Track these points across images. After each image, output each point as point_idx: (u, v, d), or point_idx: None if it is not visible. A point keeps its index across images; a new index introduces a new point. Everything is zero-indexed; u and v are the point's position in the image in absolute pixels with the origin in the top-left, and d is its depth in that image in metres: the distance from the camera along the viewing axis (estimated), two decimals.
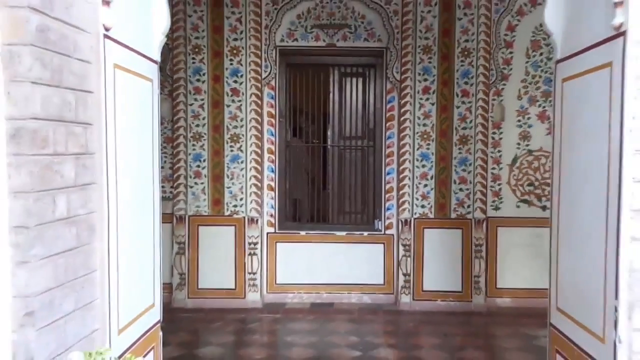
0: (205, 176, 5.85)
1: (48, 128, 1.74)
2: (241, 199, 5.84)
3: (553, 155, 2.84)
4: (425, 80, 5.78)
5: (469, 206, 5.77)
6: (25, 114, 1.64)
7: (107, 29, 2.06)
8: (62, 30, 1.81)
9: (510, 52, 5.86)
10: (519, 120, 5.88)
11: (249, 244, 5.84)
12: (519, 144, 5.89)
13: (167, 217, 5.34)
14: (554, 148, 2.82)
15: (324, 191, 6.65)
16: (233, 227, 5.84)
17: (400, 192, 5.85)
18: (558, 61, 2.76)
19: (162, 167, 5.49)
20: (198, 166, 5.86)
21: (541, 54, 5.82)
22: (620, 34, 2.11)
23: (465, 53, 5.74)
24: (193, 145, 5.84)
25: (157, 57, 2.64)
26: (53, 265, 1.80)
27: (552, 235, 2.85)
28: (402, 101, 5.81)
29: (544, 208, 5.79)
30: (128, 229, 2.33)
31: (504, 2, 5.77)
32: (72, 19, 1.86)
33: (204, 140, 5.83)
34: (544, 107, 5.84)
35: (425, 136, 5.79)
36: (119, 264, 2.24)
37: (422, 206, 5.80)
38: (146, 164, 2.58)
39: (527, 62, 5.85)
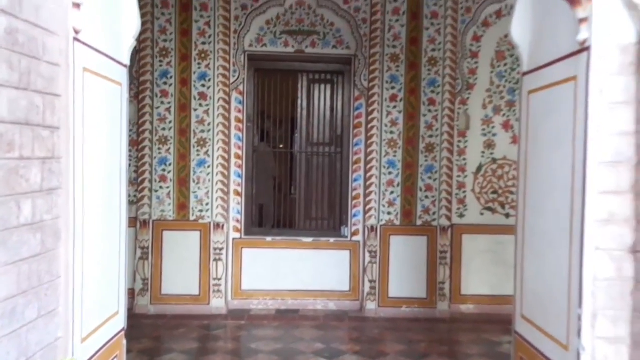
0: (170, 180, 5.78)
1: (14, 131, 1.70)
2: (207, 204, 5.79)
3: (519, 165, 2.90)
4: (393, 88, 5.83)
5: (434, 213, 5.84)
6: None
7: (76, 32, 2.03)
8: (31, 33, 1.77)
9: (476, 62, 5.96)
10: (484, 129, 5.98)
11: (214, 249, 5.78)
12: (483, 152, 6.00)
13: (130, 222, 5.22)
14: (519, 158, 2.88)
15: (291, 196, 6.64)
16: (198, 232, 5.78)
17: (367, 199, 5.89)
18: (524, 73, 2.83)
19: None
20: (164, 170, 5.78)
21: (505, 65, 5.94)
22: (584, 49, 2.17)
23: (432, 62, 5.82)
24: (159, 148, 5.77)
25: (127, 60, 2.60)
26: (17, 271, 1.75)
27: (517, 243, 2.91)
28: (370, 109, 5.86)
29: (507, 216, 5.91)
30: (94, 235, 2.29)
31: (470, 13, 5.88)
32: (41, 21, 1.82)
33: (170, 144, 5.76)
34: (508, 116, 5.96)
35: (392, 143, 5.84)
36: (84, 271, 2.20)
37: (389, 213, 5.84)
38: (114, 169, 2.54)
39: (491, 72, 5.97)
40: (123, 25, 2.56)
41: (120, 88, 2.55)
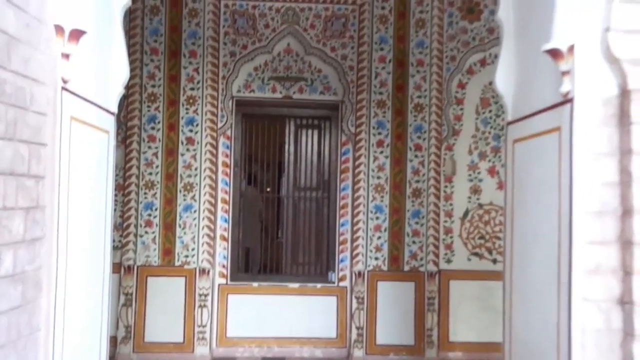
0: (156, 225, 5.72)
1: None
2: (193, 249, 5.73)
3: (505, 212, 2.91)
4: (380, 133, 5.89)
5: (421, 259, 5.82)
6: None
7: (65, 82, 2.03)
8: (19, 83, 1.77)
9: (461, 109, 6.05)
10: (470, 175, 6.02)
11: (200, 295, 5.69)
12: (470, 197, 6.02)
13: (114, 267, 5.13)
14: (506, 206, 2.90)
15: (278, 240, 6.59)
16: (183, 278, 5.69)
17: (354, 244, 5.86)
18: (509, 123, 2.87)
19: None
20: (149, 215, 5.73)
21: (490, 111, 6.03)
22: (567, 100, 2.22)
23: (418, 108, 5.90)
24: (145, 193, 5.73)
25: (115, 108, 2.61)
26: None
27: (505, 290, 2.89)
28: (357, 154, 5.89)
29: (494, 261, 5.90)
30: (76, 284, 2.25)
31: (454, 61, 5.99)
32: (30, 71, 1.83)
33: (157, 188, 5.73)
34: (493, 162, 6.01)
35: (379, 189, 5.86)
36: (64, 322, 2.14)
37: (376, 258, 5.81)
38: (99, 216, 2.51)
39: (477, 118, 6.05)
40: (112, 74, 2.58)
41: (108, 136, 2.54)
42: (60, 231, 2.05)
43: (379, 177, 5.87)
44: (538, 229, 2.47)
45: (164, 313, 5.64)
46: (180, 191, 5.74)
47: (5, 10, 1.70)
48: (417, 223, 5.84)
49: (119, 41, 2.60)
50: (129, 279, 5.66)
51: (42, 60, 1.93)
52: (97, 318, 2.56)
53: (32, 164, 1.88)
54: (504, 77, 2.87)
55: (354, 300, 5.80)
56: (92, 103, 2.32)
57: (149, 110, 5.75)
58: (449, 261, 5.96)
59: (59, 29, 2.02)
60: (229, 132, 5.95)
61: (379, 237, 5.84)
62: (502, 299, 2.92)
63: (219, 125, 5.88)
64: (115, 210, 5.67)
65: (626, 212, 2.05)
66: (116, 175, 5.65)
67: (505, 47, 2.85)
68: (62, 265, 2.08)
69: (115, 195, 5.66)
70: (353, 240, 5.88)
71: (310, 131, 6.30)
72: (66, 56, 2.04)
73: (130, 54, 5.36)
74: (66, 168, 2.08)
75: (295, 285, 5.99)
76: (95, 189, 2.44)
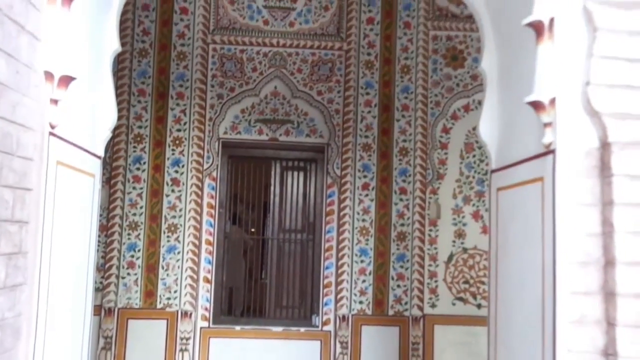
0: (139, 267, 5.66)
1: None
2: (175, 292, 5.65)
3: (489, 259, 2.92)
4: (365, 176, 5.93)
5: (406, 303, 5.79)
6: None
7: (52, 127, 2.04)
8: (6, 129, 1.77)
9: (445, 153, 6.12)
10: (454, 219, 6.06)
11: (181, 339, 5.59)
12: (454, 241, 6.04)
13: (95, 309, 5.05)
14: (490, 252, 2.91)
15: (261, 281, 6.52)
16: (165, 321, 5.60)
17: (339, 287, 5.82)
18: (493, 171, 2.91)
19: None
20: (132, 256, 5.67)
21: (474, 156, 6.11)
22: (550, 151, 2.26)
23: (403, 152, 5.96)
24: (128, 234, 5.68)
25: (102, 152, 2.61)
26: None
27: (490, 337, 2.88)
28: (342, 196, 5.92)
29: (479, 306, 5.89)
30: (56, 330, 2.20)
31: (439, 106, 6.09)
32: (17, 117, 1.83)
33: (140, 229, 5.69)
34: (477, 206, 6.06)
35: (364, 231, 5.86)
36: None
37: (360, 302, 5.77)
38: (81, 261, 2.48)
39: (461, 162, 6.12)
40: (99, 117, 2.58)
41: (93, 179, 2.53)
42: (42, 277, 2.02)
43: (364, 220, 5.88)
44: (522, 277, 2.48)
45: (144, 357, 5.52)
46: (164, 232, 5.70)
47: None
48: (401, 267, 5.83)
49: (107, 85, 2.62)
50: (109, 322, 5.56)
51: (31, 106, 1.93)
52: None
53: (17, 209, 1.87)
54: (487, 126, 2.91)
55: (338, 345, 5.73)
56: (78, 147, 2.32)
57: (134, 151, 5.75)
58: (433, 305, 5.94)
59: (48, 75, 2.04)
60: (214, 174, 5.96)
61: (364, 281, 5.81)
62: (487, 346, 2.91)
63: (205, 166, 5.88)
64: (97, 251, 5.60)
65: (608, 263, 2.07)
66: (100, 215, 5.60)
67: (488, 96, 2.91)
68: (43, 312, 2.04)
69: (99, 236, 5.62)
70: (337, 284, 5.85)
71: (296, 173, 6.33)
72: (55, 102, 2.05)
73: (117, 95, 5.40)
74: (50, 213, 2.06)
75: (279, 329, 5.91)
76: (79, 232, 2.42)
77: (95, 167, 2.54)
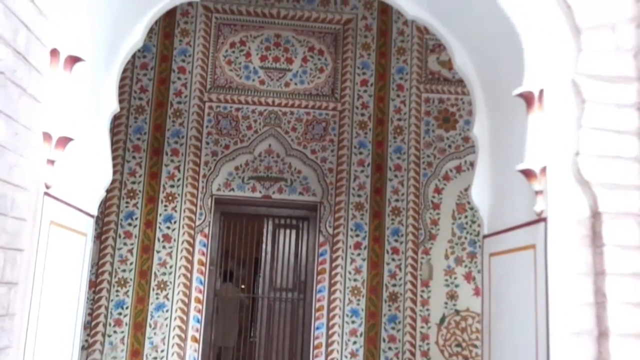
0: (126, 324, 5.55)
1: None
2: (162, 351, 5.53)
3: (482, 323, 2.89)
4: (357, 236, 5.92)
5: None
6: None
7: (47, 187, 2.04)
8: (2, 190, 1.77)
9: (438, 214, 6.15)
10: (447, 280, 6.02)
11: None
12: (446, 303, 5.99)
13: None
14: (483, 316, 2.88)
15: (250, 340, 6.40)
16: None
17: (329, 349, 5.72)
18: (485, 236, 2.91)
19: None
20: (120, 313, 5.57)
21: (466, 217, 6.13)
22: (541, 219, 2.27)
23: (396, 212, 5.98)
24: (117, 291, 5.60)
25: (95, 211, 2.60)
26: None
27: None
28: (334, 255, 5.89)
29: None
30: None
31: (431, 167, 6.16)
32: (13, 178, 1.84)
33: (129, 286, 5.61)
34: (469, 267, 6.04)
35: (355, 291, 5.81)
36: None
37: None
38: (69, 322, 2.43)
39: (453, 223, 6.14)
40: (94, 177, 2.59)
41: (85, 238, 2.52)
42: (29, 340, 1.98)
43: (355, 280, 5.83)
44: (516, 344, 2.45)
45: None
46: (153, 289, 5.62)
47: None
48: (393, 328, 5.75)
49: (104, 145, 2.64)
50: None
51: (27, 167, 1.95)
52: None
53: (7, 270, 1.85)
54: (479, 191, 2.93)
55: None
56: (72, 206, 2.32)
57: (127, 207, 5.74)
58: None
59: (46, 136, 2.06)
60: (206, 230, 5.93)
61: (355, 342, 5.72)
62: None
63: (197, 222, 5.86)
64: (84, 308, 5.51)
65: (602, 334, 2.06)
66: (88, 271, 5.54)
67: (480, 161, 2.95)
68: None
69: (86, 292, 5.54)
70: (328, 345, 5.75)
71: (288, 231, 6.32)
72: (51, 162, 2.06)
73: (113, 151, 5.44)
74: (41, 273, 2.04)
75: None
76: (68, 292, 2.39)
77: (88, 226, 2.53)
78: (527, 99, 2.34)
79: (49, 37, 2.06)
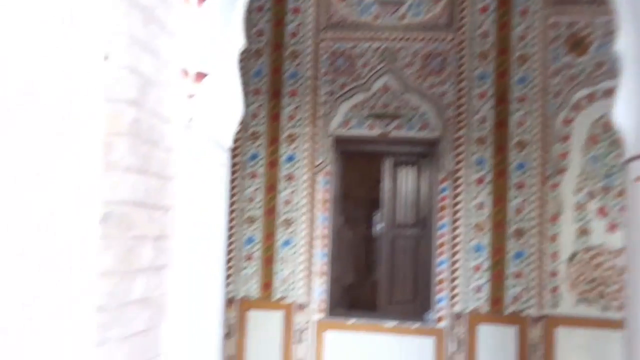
0: (257, 259, 5.86)
1: (134, 212, 1.79)
2: (292, 284, 5.80)
3: (627, 257, 2.73)
4: (480, 171, 5.76)
5: (524, 302, 5.56)
6: (115, 199, 1.70)
7: (189, 120, 2.16)
8: (151, 121, 1.90)
9: (567, 146, 5.79)
10: (577, 215, 5.74)
11: (296, 331, 5.73)
12: (577, 239, 5.72)
13: None
14: (628, 250, 2.72)
15: (374, 278, 6.54)
16: (282, 313, 5.77)
17: (453, 284, 5.71)
18: (629, 160, 2.71)
19: None
20: (250, 249, 5.88)
21: (599, 149, 5.75)
22: None
23: (520, 146, 5.73)
24: (246, 228, 5.90)
25: (231, 144, 2.73)
26: (129, 345, 1.79)
27: (626, 342, 2.69)
28: (456, 191, 5.79)
29: (604, 308, 5.53)
30: (194, 313, 2.33)
31: (559, 96, 5.78)
32: (161, 111, 1.96)
33: (258, 223, 5.89)
34: (603, 201, 5.70)
35: (479, 227, 5.70)
36: (182, 349, 2.22)
37: (477, 299, 5.62)
38: (215, 248, 2.60)
39: (584, 156, 5.78)
40: (229, 112, 2.70)
41: (224, 170, 2.65)
42: (182, 260, 2.15)
43: (478, 216, 5.72)
44: None
45: (262, 347, 5.73)
46: (279, 226, 5.87)
47: (143, 56, 1.83)
48: (519, 264, 5.61)
49: (235, 81, 2.73)
50: (230, 311, 5.80)
51: (170, 100, 2.06)
52: (211, 348, 2.63)
53: (160, 196, 2.00)
54: (623, 112, 2.72)
55: (453, 343, 5.61)
56: (211, 139, 2.44)
57: (251, 149, 5.96)
58: (554, 306, 5.65)
59: (184, 72, 2.16)
60: (327, 169, 6.04)
61: (479, 278, 5.66)
62: (623, 353, 2.72)
63: (317, 162, 5.98)
64: None
65: None
66: None
67: (625, 79, 2.72)
68: (184, 293, 2.17)
69: None
70: (452, 280, 5.73)
71: (407, 168, 6.28)
72: (191, 96, 2.17)
73: None
74: (188, 200, 2.18)
75: (392, 324, 5.89)
76: (212, 221, 2.55)
77: (226, 158, 2.66)
78: None
79: None
